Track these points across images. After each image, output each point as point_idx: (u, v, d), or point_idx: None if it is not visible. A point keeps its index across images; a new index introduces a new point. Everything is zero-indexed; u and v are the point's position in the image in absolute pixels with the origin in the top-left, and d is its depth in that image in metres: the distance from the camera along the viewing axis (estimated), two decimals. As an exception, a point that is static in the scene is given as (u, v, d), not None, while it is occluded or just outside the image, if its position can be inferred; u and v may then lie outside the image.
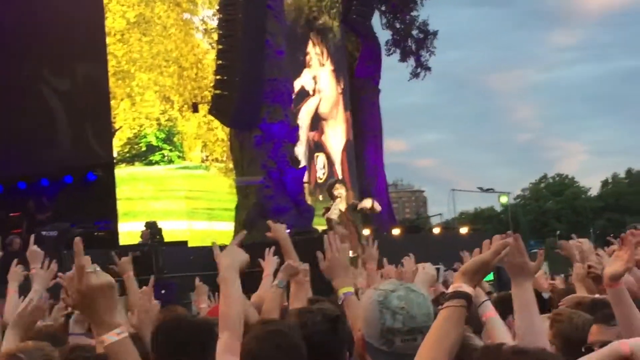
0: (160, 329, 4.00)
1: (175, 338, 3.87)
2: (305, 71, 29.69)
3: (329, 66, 31.01)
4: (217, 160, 26.30)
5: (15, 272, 5.96)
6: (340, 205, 14.21)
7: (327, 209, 14.51)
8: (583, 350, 3.49)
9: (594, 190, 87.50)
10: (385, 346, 2.71)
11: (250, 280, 4.71)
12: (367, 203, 15.58)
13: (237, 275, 4.01)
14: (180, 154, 25.35)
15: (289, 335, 3.41)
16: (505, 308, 4.39)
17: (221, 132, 25.96)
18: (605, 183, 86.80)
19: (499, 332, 3.90)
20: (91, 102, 22.11)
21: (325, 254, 4.22)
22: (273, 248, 6.15)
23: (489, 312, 4.07)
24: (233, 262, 4.04)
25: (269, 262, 6.06)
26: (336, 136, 31.05)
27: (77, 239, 2.70)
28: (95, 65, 22.40)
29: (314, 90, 29.95)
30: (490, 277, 12.83)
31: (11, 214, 20.45)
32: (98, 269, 2.75)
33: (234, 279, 3.96)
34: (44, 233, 17.18)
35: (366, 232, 20.39)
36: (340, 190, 14.49)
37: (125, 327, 2.83)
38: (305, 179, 26.81)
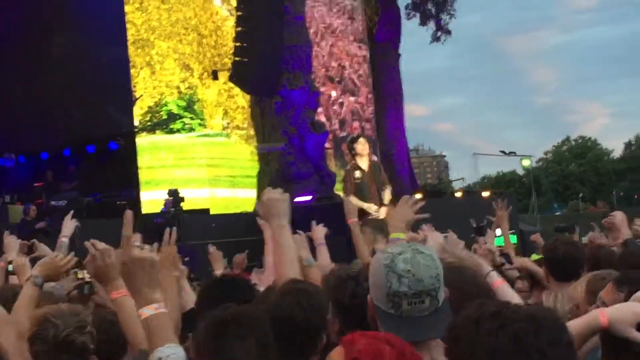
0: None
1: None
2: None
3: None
4: (238, 127, 26.29)
5: (10, 243, 6.05)
6: (362, 163, 13.63)
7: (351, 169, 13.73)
8: None
9: (617, 152, 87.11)
10: (393, 309, 2.69)
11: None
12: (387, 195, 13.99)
13: (287, 231, 4.08)
14: (201, 122, 25.34)
15: (313, 295, 3.42)
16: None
17: (241, 99, 25.93)
18: (628, 145, 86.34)
19: (511, 298, 3.96)
20: (111, 71, 22.17)
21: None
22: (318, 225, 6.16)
23: (497, 280, 4.12)
24: (280, 218, 4.08)
25: (318, 230, 6.09)
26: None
27: (128, 212, 2.77)
28: (114, 34, 22.43)
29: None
30: (514, 239, 12.75)
31: (35, 184, 20.62)
32: (146, 247, 2.78)
33: (284, 237, 4.00)
34: (53, 203, 17.29)
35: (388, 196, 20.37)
36: (363, 146, 13.74)
37: (165, 304, 2.85)
38: (327, 145, 26.80)
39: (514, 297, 4.02)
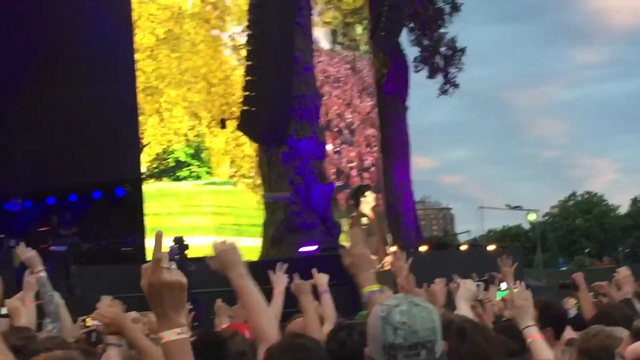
0: None
1: None
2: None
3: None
4: (244, 176, 26.33)
5: (30, 283, 5.98)
6: (367, 211, 13.79)
7: (357, 215, 14.05)
8: None
9: (623, 208, 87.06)
10: None
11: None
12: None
13: (247, 279, 3.94)
14: (208, 170, 25.41)
15: (312, 350, 3.40)
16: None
17: (249, 148, 26.00)
18: (634, 201, 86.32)
19: (543, 352, 3.96)
20: (120, 118, 22.30)
21: (350, 248, 4.02)
22: (285, 265, 6.11)
23: (534, 335, 4.20)
24: (234, 262, 3.99)
25: (280, 279, 6.01)
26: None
27: (159, 232, 2.74)
28: (125, 81, 22.59)
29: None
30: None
31: (40, 229, 20.62)
32: (174, 266, 2.74)
33: (245, 286, 3.91)
34: (52, 248, 17.23)
35: (392, 248, 20.35)
36: (369, 198, 13.96)
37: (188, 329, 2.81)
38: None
39: (546, 352, 4.03)
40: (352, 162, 28.88)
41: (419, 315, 2.67)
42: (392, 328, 2.65)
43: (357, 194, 14.41)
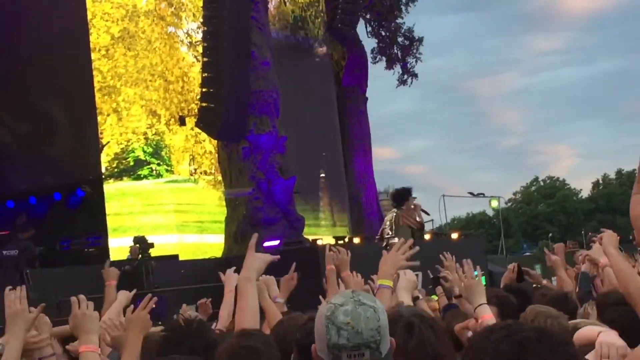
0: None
1: None
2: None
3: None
4: (205, 173, 26.29)
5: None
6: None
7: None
8: None
9: (585, 192, 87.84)
10: None
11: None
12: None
13: (252, 285, 4.13)
14: (169, 168, 25.34)
15: (262, 352, 3.39)
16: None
17: (209, 144, 25.95)
18: (595, 184, 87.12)
19: None
20: (78, 118, 22.13)
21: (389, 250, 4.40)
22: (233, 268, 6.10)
23: (485, 314, 4.35)
24: (249, 273, 4.10)
25: (230, 279, 5.99)
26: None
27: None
28: (81, 82, 22.42)
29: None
30: (484, 280, 12.81)
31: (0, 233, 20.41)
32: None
33: (246, 290, 4.02)
34: (5, 252, 17.01)
35: (356, 240, 20.42)
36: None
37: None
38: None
39: None
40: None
41: (363, 315, 2.66)
42: (336, 328, 2.64)
43: (406, 196, 15.29)
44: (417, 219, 15.52)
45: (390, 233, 15.32)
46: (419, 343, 3.23)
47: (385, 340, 2.68)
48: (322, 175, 30.04)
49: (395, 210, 15.62)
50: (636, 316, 3.78)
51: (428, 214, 17.56)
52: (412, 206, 15.46)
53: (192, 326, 4.12)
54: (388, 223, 15.32)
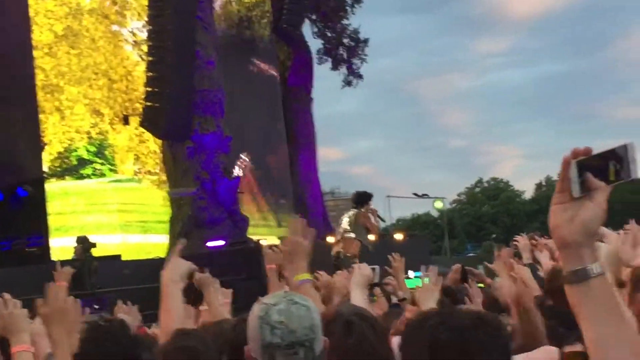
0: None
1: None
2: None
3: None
4: (149, 172, 26.13)
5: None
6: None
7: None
8: None
9: (528, 193, 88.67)
10: None
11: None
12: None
13: (177, 287, 3.99)
14: (112, 167, 25.15)
15: (199, 352, 3.37)
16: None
17: (153, 144, 25.80)
18: (539, 186, 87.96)
19: None
20: (20, 116, 21.84)
21: (287, 238, 4.01)
22: None
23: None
24: (173, 275, 4.02)
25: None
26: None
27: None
28: (23, 80, 22.12)
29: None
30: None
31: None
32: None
33: (171, 292, 3.94)
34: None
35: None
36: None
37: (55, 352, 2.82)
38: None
39: None
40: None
41: (296, 313, 2.66)
42: (270, 327, 2.64)
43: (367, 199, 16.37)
44: (375, 222, 16.41)
45: (348, 228, 15.93)
46: (358, 341, 3.22)
47: (319, 339, 2.69)
48: (246, 159, 29.07)
49: (355, 209, 16.30)
50: None
51: (384, 220, 18.24)
52: (370, 210, 16.23)
53: (113, 326, 4.07)
54: (347, 219, 15.99)
